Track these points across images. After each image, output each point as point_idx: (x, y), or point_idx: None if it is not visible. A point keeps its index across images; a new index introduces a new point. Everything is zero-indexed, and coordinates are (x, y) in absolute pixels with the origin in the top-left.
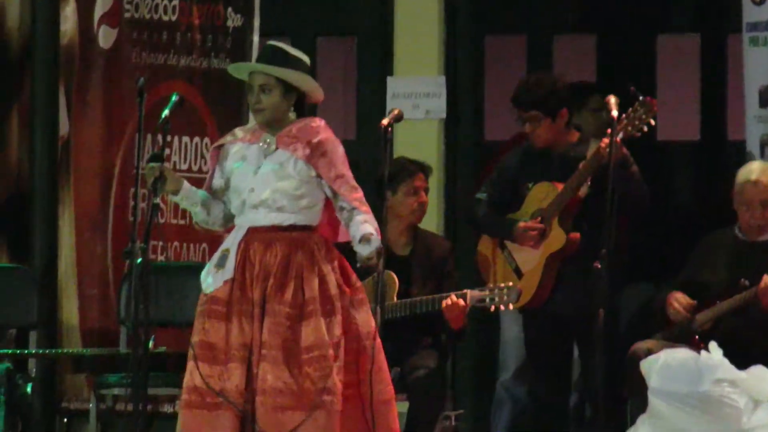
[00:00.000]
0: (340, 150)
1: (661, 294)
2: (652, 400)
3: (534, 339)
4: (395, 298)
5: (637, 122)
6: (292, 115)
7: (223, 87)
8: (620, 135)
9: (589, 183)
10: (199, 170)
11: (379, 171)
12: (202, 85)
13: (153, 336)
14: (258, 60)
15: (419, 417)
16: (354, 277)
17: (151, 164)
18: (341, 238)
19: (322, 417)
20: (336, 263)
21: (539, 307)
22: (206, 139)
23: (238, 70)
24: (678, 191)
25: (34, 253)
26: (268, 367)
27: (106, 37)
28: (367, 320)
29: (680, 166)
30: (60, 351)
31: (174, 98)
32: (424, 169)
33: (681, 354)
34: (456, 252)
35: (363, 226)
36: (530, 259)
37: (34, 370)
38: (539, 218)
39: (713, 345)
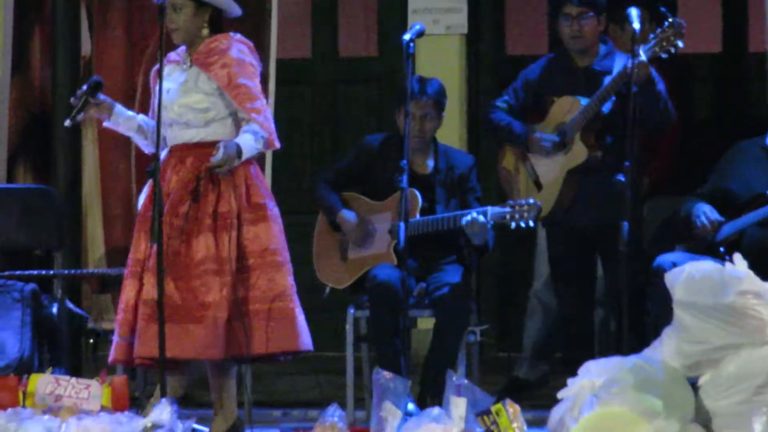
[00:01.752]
0: (246, 61)
1: (687, 204)
2: (677, 312)
3: (557, 253)
4: (417, 215)
5: (664, 43)
6: (206, 31)
7: (244, 5)
8: (647, 55)
9: (613, 98)
10: None
11: (399, 88)
12: None
13: None
14: None
15: (444, 333)
16: (259, 194)
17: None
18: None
19: (199, 331)
20: (240, 180)
21: (560, 220)
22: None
23: None
24: (700, 103)
25: (57, 174)
26: (151, 279)
27: None
28: (266, 238)
29: (702, 78)
30: (85, 271)
31: None
32: (424, 94)
33: (706, 266)
34: (479, 166)
35: (238, 137)
36: (551, 172)
37: (60, 290)
38: (561, 133)
39: (738, 257)
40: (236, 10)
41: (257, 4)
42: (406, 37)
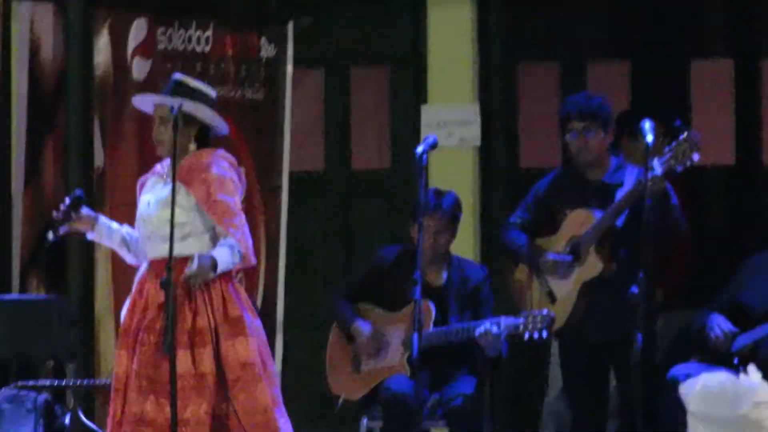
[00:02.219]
0: (227, 177)
1: (700, 317)
2: (692, 424)
3: (570, 365)
4: (431, 326)
5: (680, 156)
6: (192, 146)
7: (257, 117)
8: (663, 168)
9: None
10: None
11: (415, 200)
12: (236, 116)
13: None
14: (161, 93)
15: None
16: (236, 307)
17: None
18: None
19: None
20: (217, 294)
21: (573, 332)
22: (241, 169)
23: (143, 103)
24: (713, 217)
25: (70, 285)
26: (133, 396)
27: (139, 69)
28: (243, 352)
29: (715, 192)
30: (97, 382)
31: None
32: (439, 208)
33: (720, 377)
34: (492, 277)
35: (214, 250)
36: (565, 285)
37: (72, 401)
38: (575, 247)
39: (752, 368)
40: (223, 128)
41: (269, 117)
42: (419, 149)
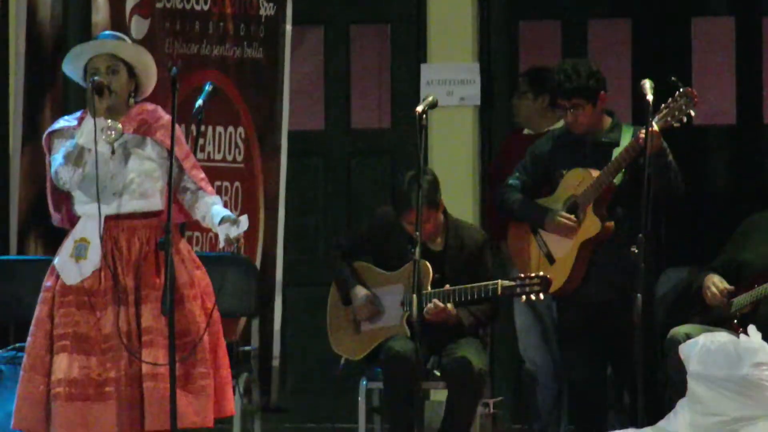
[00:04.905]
0: (181, 131)
1: (699, 277)
2: (691, 384)
3: (569, 326)
4: (429, 288)
5: (676, 113)
6: (131, 101)
7: (256, 76)
8: (659, 125)
9: (624, 170)
10: (234, 160)
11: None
12: (235, 75)
13: None
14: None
15: (458, 405)
16: (194, 263)
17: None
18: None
19: (202, 401)
20: (187, 251)
21: (572, 293)
22: (240, 129)
23: (94, 49)
24: (714, 175)
25: None
26: (158, 353)
27: (138, 28)
28: (206, 309)
29: (716, 150)
30: None
31: (207, 88)
32: (425, 203)
33: (720, 338)
34: (492, 239)
35: (220, 208)
36: (563, 245)
37: None
38: (573, 206)
39: (752, 328)
40: (148, 90)
41: (269, 76)
42: (419, 108)
